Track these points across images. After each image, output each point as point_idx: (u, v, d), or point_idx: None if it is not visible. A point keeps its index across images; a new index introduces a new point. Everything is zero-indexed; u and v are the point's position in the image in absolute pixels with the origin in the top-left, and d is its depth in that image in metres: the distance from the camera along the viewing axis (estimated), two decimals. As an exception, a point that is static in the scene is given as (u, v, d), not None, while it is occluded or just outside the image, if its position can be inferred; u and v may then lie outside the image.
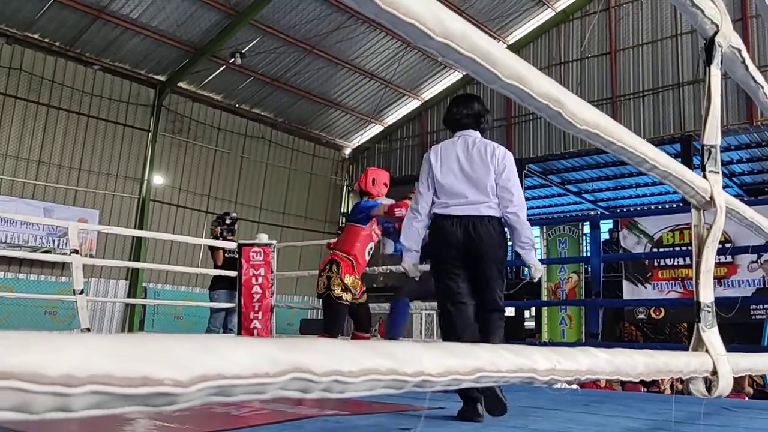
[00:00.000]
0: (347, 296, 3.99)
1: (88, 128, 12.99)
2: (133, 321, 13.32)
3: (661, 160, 1.02)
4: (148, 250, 13.51)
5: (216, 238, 6.81)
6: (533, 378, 0.76)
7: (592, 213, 17.20)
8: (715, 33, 1.21)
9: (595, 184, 15.91)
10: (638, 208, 17.47)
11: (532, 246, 2.93)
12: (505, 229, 2.95)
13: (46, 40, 12.28)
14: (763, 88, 1.47)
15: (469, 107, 3.03)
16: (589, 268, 5.59)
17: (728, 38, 1.29)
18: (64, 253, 10.63)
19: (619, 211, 17.53)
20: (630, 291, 10.49)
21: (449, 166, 2.92)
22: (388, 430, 2.77)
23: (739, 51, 1.35)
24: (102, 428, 2.53)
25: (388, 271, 7.35)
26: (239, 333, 6.42)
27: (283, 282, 12.34)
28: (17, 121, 12.07)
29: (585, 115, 0.91)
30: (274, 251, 6.80)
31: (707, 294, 1.22)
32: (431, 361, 0.63)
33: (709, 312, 1.22)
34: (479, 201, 2.87)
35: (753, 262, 9.86)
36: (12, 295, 9.58)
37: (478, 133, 3.02)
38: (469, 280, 2.94)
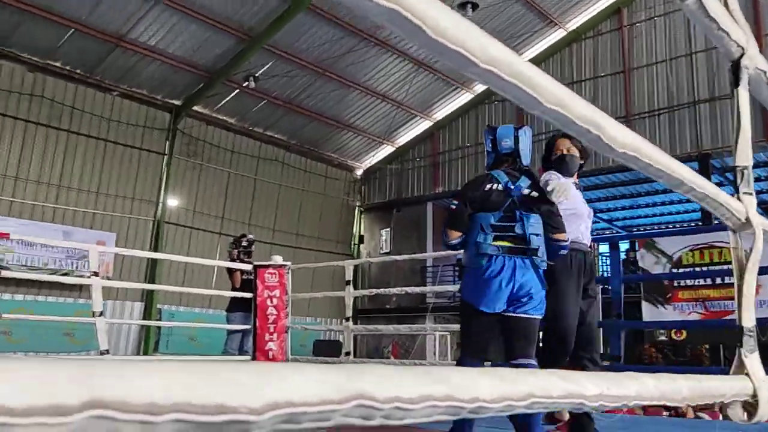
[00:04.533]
0: None
1: (106, 152, 13.17)
2: (148, 343, 13.34)
3: (698, 182, 1.02)
4: (162, 272, 13.57)
5: (233, 260, 6.83)
6: (582, 404, 0.75)
7: (608, 232, 17.09)
8: (741, 56, 1.22)
9: (610, 203, 15.83)
10: (655, 227, 17.32)
11: None
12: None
13: (67, 67, 12.51)
14: (789, 108, 1.47)
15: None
16: (608, 289, 5.52)
17: (754, 60, 1.30)
18: (81, 275, 10.72)
19: (635, 230, 17.40)
20: (650, 312, 10.34)
21: None
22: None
23: (765, 73, 1.36)
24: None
25: (404, 293, 7.33)
26: (254, 355, 6.41)
27: (296, 303, 12.34)
28: (38, 146, 12.27)
29: (624, 139, 0.92)
30: (288, 272, 6.81)
31: (749, 318, 1.21)
32: (485, 386, 0.63)
33: (751, 336, 1.20)
34: None
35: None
36: (31, 317, 9.64)
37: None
38: None
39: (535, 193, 2.84)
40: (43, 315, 10.04)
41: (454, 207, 2.93)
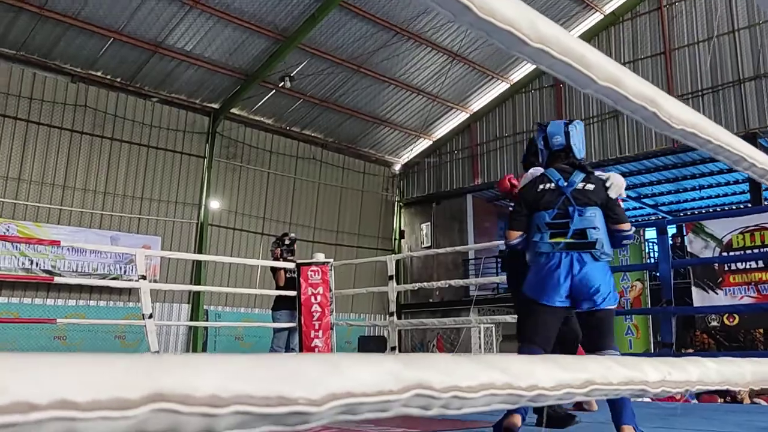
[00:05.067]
0: None
1: (149, 158, 13.47)
2: (196, 343, 13.62)
3: (759, 158, 0.98)
4: (207, 274, 13.82)
5: (276, 259, 6.91)
6: (644, 390, 0.73)
7: (653, 218, 16.69)
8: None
9: (655, 188, 15.44)
10: (702, 211, 16.84)
11: None
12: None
13: (108, 76, 12.83)
14: None
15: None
16: (657, 275, 5.38)
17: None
18: (130, 280, 11.02)
19: (681, 214, 16.95)
20: (700, 298, 10.08)
21: None
22: (462, 447, 2.73)
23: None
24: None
25: (447, 285, 7.30)
26: (301, 352, 6.48)
27: (339, 300, 12.43)
28: (84, 155, 12.63)
29: (682, 115, 0.88)
30: (331, 270, 6.85)
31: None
32: (544, 374, 0.61)
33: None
34: None
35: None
36: (85, 321, 9.97)
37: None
38: None
39: (590, 186, 2.85)
40: (95, 319, 10.39)
41: (511, 209, 3.02)
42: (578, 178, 2.86)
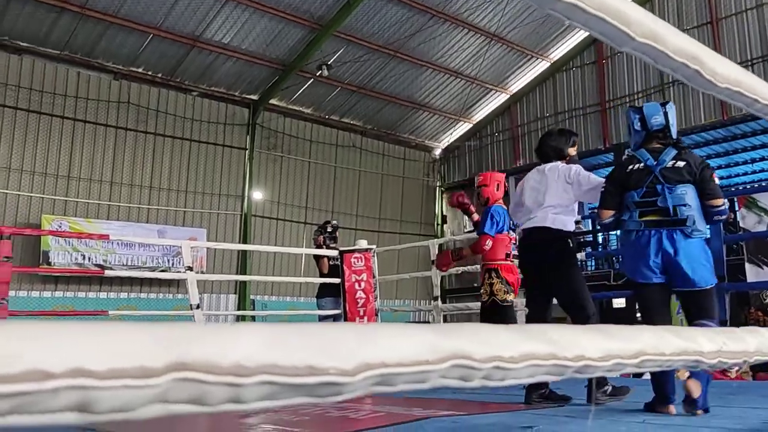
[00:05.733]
0: (511, 297, 4.38)
1: (192, 152, 13.71)
2: (244, 332, 13.86)
3: (816, 115, 0.91)
4: (253, 264, 14.04)
5: (319, 246, 6.95)
6: (699, 361, 0.69)
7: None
8: None
9: (704, 163, 14.94)
10: (755, 185, 16.24)
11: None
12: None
13: (149, 72, 13.08)
14: None
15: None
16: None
17: None
18: (178, 271, 11.26)
19: (733, 189, 16.39)
20: (754, 273, 9.75)
21: None
22: (509, 429, 2.70)
23: None
24: (230, 434, 2.61)
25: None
26: (347, 338, 6.52)
27: (383, 286, 12.43)
28: (129, 151, 12.94)
29: (726, 73, 0.83)
30: (374, 256, 6.86)
31: None
32: (592, 345, 0.58)
33: None
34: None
35: None
36: (135, 313, 10.25)
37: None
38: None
39: (680, 163, 2.90)
40: (146, 311, 10.69)
41: (603, 189, 3.11)
42: (668, 156, 2.92)
